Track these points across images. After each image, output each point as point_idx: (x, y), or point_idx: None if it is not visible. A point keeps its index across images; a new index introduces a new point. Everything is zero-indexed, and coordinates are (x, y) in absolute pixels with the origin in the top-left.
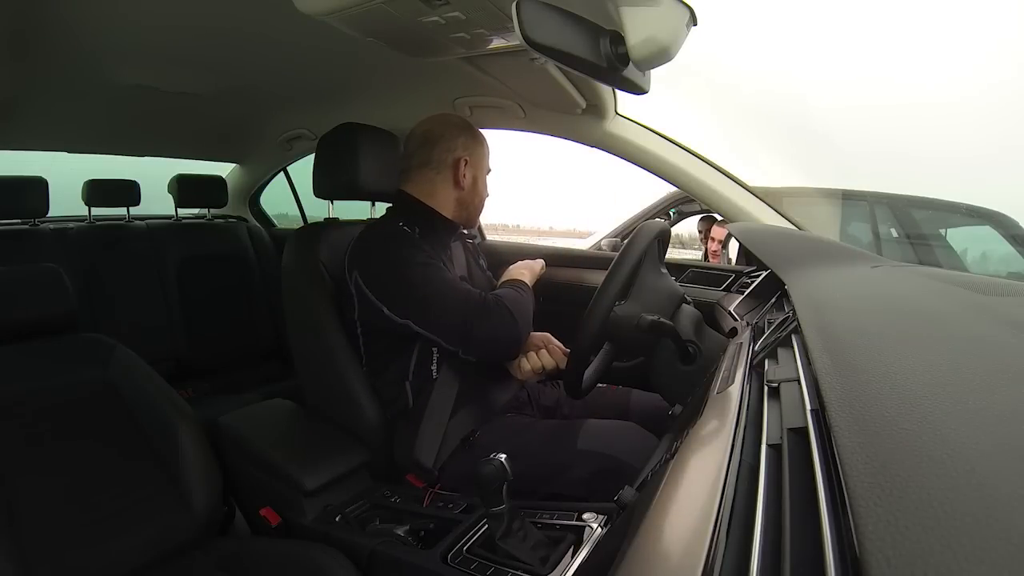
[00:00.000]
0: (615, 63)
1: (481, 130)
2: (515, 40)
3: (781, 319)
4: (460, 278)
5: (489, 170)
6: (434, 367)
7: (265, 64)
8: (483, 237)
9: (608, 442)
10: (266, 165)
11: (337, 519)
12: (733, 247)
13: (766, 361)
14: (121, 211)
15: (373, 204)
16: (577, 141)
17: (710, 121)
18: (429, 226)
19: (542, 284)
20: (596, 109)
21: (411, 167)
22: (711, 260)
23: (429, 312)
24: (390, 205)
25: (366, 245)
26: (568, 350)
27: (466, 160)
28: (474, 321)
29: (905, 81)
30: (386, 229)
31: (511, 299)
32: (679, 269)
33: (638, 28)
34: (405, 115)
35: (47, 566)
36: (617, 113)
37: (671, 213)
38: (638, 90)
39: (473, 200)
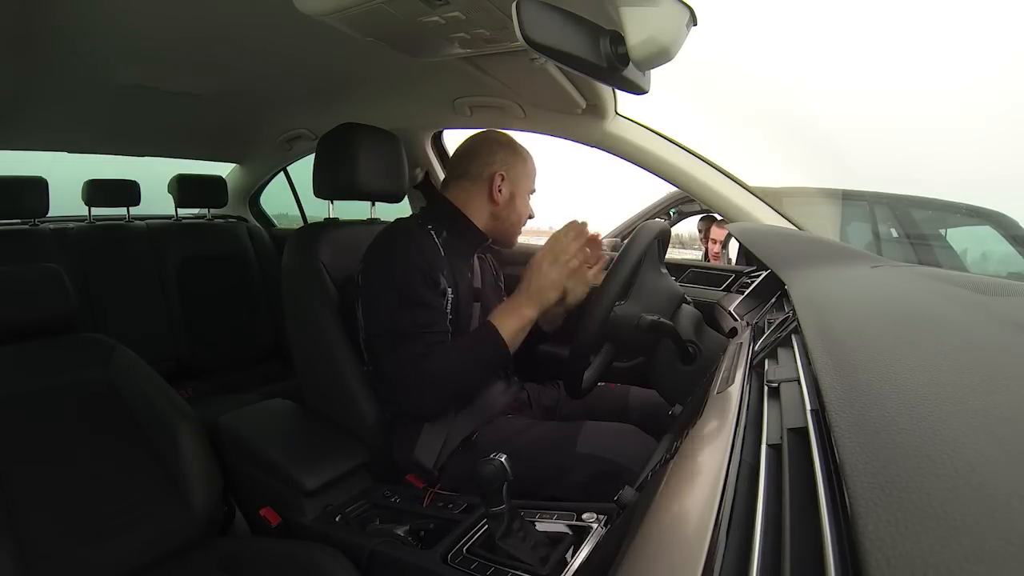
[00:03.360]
0: (615, 63)
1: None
2: (515, 40)
3: (781, 319)
4: (476, 290)
5: (533, 191)
6: None
7: (265, 64)
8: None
9: (607, 445)
10: (266, 165)
11: (337, 519)
12: (733, 247)
13: (766, 361)
14: (121, 211)
15: (373, 204)
16: (577, 141)
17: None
18: (457, 231)
19: None
20: (596, 109)
21: (451, 178)
22: (711, 262)
23: (376, 309)
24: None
25: (379, 240)
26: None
27: (502, 175)
28: (398, 356)
29: (902, 77)
30: (406, 224)
31: (445, 367)
32: (679, 269)
33: (638, 28)
34: (405, 115)
35: (47, 565)
36: (617, 113)
37: (671, 213)
38: (638, 90)
39: (509, 216)
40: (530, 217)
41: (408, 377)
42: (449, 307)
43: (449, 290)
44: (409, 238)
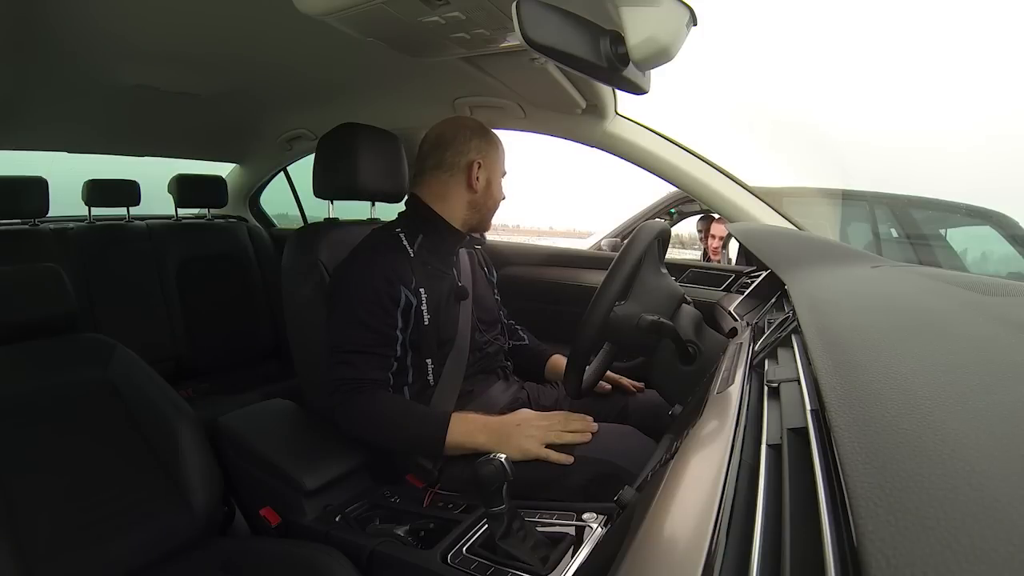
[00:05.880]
0: (615, 63)
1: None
2: (515, 40)
3: (781, 319)
4: (461, 288)
5: (504, 173)
6: (430, 378)
7: (265, 64)
8: (483, 237)
9: (607, 447)
10: (266, 165)
11: (337, 519)
12: (733, 247)
13: (766, 361)
14: (121, 211)
15: (373, 204)
16: (577, 141)
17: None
18: (435, 235)
19: (542, 284)
20: (596, 109)
21: (424, 170)
22: (712, 258)
23: (331, 322)
24: (402, 209)
25: (349, 256)
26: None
27: (479, 163)
28: (342, 375)
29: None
30: (378, 236)
31: (373, 409)
32: (679, 269)
33: (638, 28)
34: (405, 115)
35: (47, 566)
36: (617, 113)
37: (671, 213)
38: (638, 90)
39: (486, 203)
40: (502, 199)
41: (340, 395)
42: (414, 315)
43: (415, 299)
44: (372, 255)
